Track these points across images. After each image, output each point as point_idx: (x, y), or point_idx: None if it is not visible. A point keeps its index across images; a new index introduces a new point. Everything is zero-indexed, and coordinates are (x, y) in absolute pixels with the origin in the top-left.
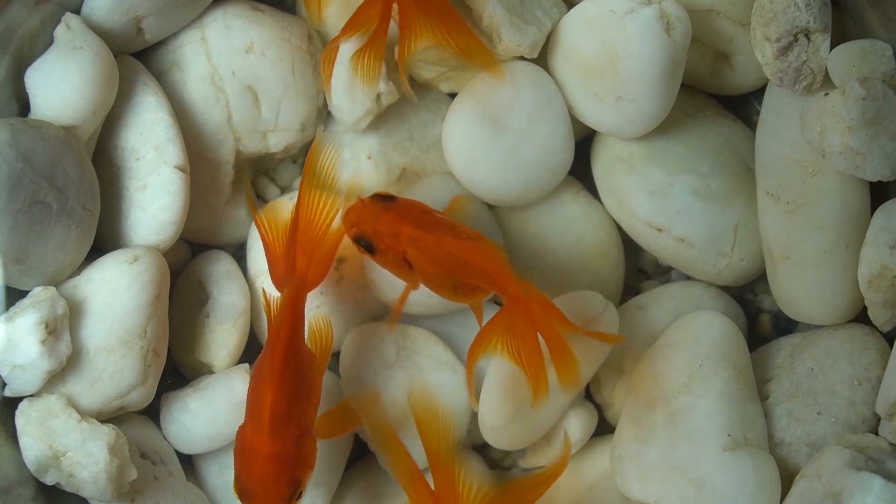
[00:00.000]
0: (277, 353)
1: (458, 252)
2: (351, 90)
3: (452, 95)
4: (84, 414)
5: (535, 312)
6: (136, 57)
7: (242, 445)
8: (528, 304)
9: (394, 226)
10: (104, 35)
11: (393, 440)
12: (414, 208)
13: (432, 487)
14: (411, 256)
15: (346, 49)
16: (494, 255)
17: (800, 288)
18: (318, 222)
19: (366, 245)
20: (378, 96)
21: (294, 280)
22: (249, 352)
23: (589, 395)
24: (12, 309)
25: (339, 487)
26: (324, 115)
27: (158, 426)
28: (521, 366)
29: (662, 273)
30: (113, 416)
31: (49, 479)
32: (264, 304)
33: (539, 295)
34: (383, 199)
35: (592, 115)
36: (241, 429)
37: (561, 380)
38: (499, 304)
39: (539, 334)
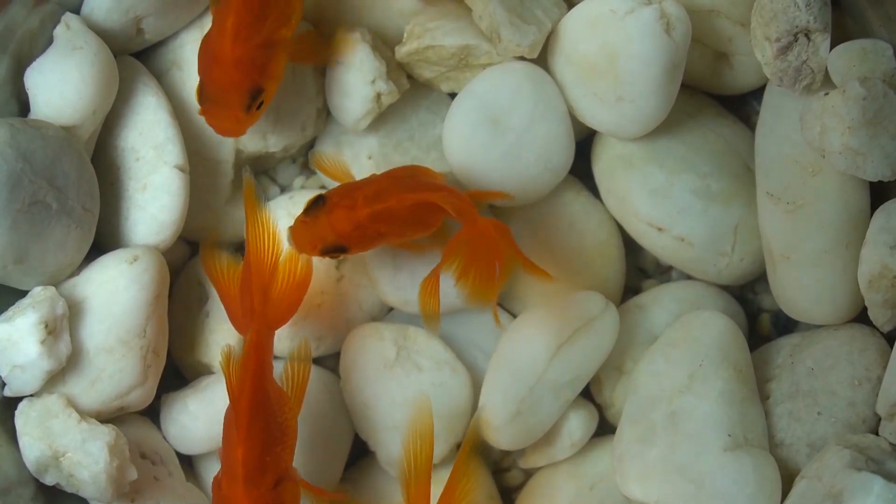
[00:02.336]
0: (244, 404)
1: (419, 199)
2: (350, 92)
3: (453, 95)
4: (84, 414)
5: (490, 233)
6: (136, 57)
7: (219, 500)
8: (485, 226)
9: (350, 219)
10: (104, 35)
11: (423, 445)
12: (350, 190)
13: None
14: (384, 229)
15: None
16: (448, 189)
17: (800, 288)
18: (268, 260)
19: (339, 250)
20: (378, 95)
21: (254, 323)
22: None
23: (589, 395)
24: (12, 309)
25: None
26: (323, 115)
27: (158, 426)
28: (473, 281)
29: (663, 272)
30: (113, 417)
31: (49, 480)
32: (222, 359)
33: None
34: (318, 206)
35: (592, 115)
36: (216, 481)
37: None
38: None
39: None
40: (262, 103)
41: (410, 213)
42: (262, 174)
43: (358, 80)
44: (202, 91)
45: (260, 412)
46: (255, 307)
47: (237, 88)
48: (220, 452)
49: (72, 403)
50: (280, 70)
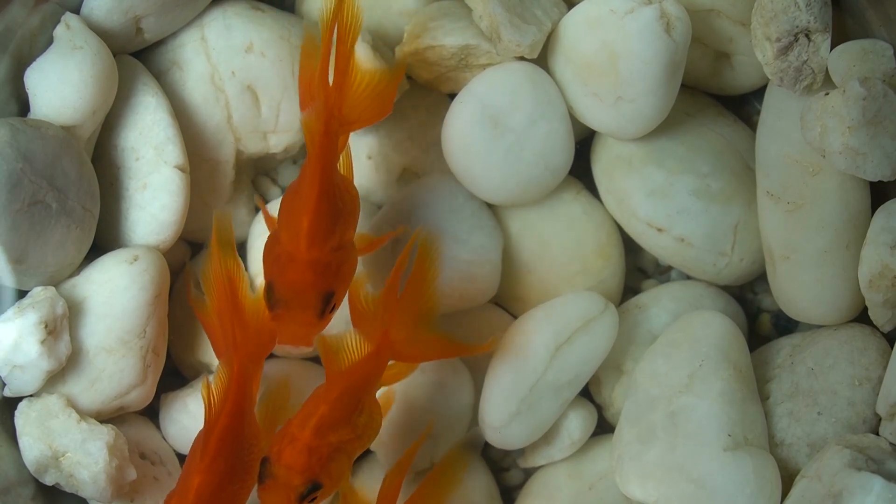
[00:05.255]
0: (214, 436)
1: (339, 384)
2: None
3: (452, 96)
4: (83, 414)
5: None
6: (136, 57)
7: None
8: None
9: (300, 450)
10: (104, 35)
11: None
12: (281, 434)
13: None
14: (335, 437)
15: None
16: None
17: (800, 288)
18: (246, 292)
19: (314, 488)
20: None
21: (237, 356)
22: None
23: (589, 395)
24: (12, 309)
25: None
26: None
27: (158, 426)
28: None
29: (662, 272)
30: (112, 417)
31: (48, 480)
32: (203, 390)
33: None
34: (264, 468)
35: (592, 115)
36: (168, 498)
37: None
38: None
39: None
40: (333, 308)
41: (344, 402)
42: (262, 175)
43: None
44: (272, 294)
45: (227, 448)
46: (236, 340)
47: (312, 290)
48: (181, 474)
49: (71, 403)
50: (350, 274)
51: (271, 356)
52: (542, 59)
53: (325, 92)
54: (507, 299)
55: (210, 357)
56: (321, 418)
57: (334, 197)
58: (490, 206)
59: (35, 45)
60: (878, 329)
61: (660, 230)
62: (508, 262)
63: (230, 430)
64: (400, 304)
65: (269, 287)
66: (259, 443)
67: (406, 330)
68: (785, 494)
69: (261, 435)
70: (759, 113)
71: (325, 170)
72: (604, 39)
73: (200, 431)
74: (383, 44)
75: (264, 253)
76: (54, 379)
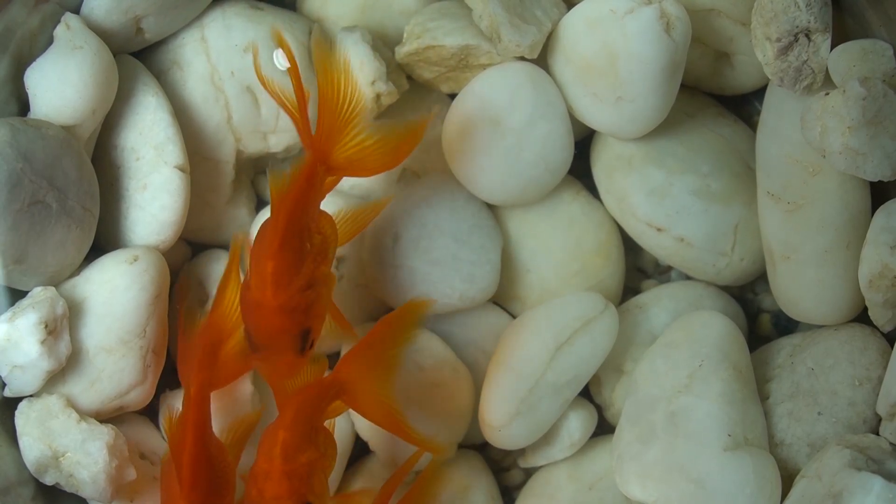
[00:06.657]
0: (186, 459)
1: (293, 413)
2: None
3: (452, 96)
4: (83, 414)
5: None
6: (137, 56)
7: None
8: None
9: (278, 480)
10: (104, 35)
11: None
12: (254, 471)
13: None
14: (306, 457)
15: None
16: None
17: (800, 288)
18: (231, 320)
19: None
20: (378, 96)
21: (197, 378)
22: None
23: (589, 395)
24: (12, 309)
25: (339, 487)
26: None
27: (158, 426)
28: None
29: (662, 273)
30: (112, 416)
31: (48, 480)
32: (164, 421)
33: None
34: None
35: (592, 115)
36: None
37: None
38: None
39: None
40: (312, 342)
41: (300, 424)
42: (262, 174)
43: (358, 81)
44: (250, 340)
45: (203, 465)
46: (201, 362)
47: (286, 334)
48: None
49: (71, 403)
50: (324, 308)
51: None
52: (542, 59)
53: (309, 138)
54: (507, 299)
55: None
56: (284, 444)
57: (301, 238)
58: (490, 206)
59: (35, 45)
60: (878, 329)
61: (659, 230)
62: (508, 262)
63: (199, 450)
64: (368, 349)
65: (247, 333)
66: (225, 455)
67: (360, 373)
68: (785, 494)
69: (224, 448)
70: (759, 113)
71: (293, 211)
72: (604, 39)
73: (165, 462)
74: (383, 44)
75: (240, 297)
76: (54, 379)
